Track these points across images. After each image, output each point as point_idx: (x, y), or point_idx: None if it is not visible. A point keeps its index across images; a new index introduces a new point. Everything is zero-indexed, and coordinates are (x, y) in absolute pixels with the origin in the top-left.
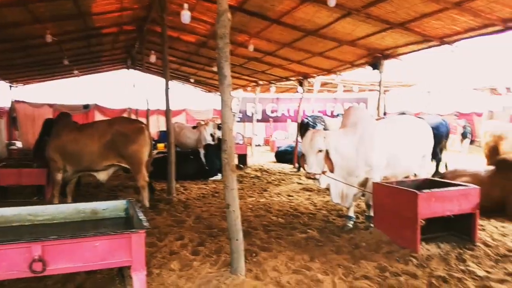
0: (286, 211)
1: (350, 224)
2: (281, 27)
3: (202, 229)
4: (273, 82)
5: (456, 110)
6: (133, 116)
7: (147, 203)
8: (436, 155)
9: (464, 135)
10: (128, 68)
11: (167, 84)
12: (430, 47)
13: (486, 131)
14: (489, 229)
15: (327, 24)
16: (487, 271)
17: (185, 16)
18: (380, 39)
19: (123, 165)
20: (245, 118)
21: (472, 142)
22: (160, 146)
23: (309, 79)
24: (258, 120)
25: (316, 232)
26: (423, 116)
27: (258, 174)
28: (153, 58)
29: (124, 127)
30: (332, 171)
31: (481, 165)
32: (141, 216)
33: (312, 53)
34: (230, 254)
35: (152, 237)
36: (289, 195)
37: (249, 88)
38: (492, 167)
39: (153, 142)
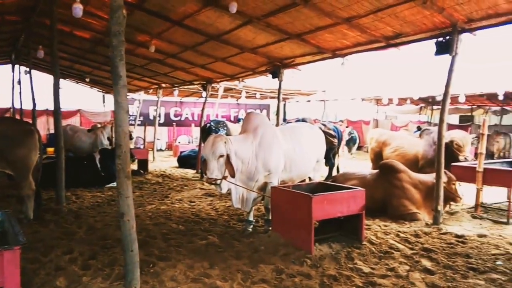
0: (187, 217)
1: (250, 228)
2: (184, 30)
3: (95, 241)
4: (176, 85)
5: (347, 118)
6: (17, 117)
7: (31, 214)
8: (329, 160)
9: (349, 142)
10: (12, 63)
11: (56, 82)
12: (324, 58)
13: (371, 137)
14: (374, 228)
15: (229, 30)
16: (371, 268)
17: (77, 10)
18: (279, 48)
19: (6, 171)
20: (147, 121)
21: (360, 147)
22: (50, 150)
23: (213, 84)
24: (160, 124)
25: (217, 238)
26: (325, 123)
27: (160, 180)
28: (40, 54)
29: (9, 128)
30: (233, 176)
31: (368, 169)
32: (18, 229)
33: (215, 58)
34: (124, 266)
35: (35, 252)
36: (191, 201)
37: (151, 91)
38: (376, 171)
39: (43, 146)
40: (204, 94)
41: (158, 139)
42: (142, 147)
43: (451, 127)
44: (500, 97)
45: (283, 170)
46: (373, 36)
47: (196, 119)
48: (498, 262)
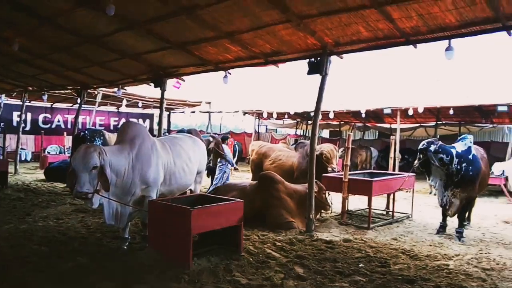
0: (52, 237)
1: (125, 246)
2: (55, 29)
3: None
4: (46, 89)
5: (231, 130)
6: None
7: None
8: (212, 172)
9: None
10: None
11: None
12: (207, 70)
13: (252, 149)
14: (252, 238)
15: (108, 33)
16: (249, 279)
17: None
18: (162, 57)
19: None
20: (8, 128)
21: (243, 159)
22: None
23: (89, 90)
24: (26, 132)
25: (87, 259)
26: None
27: (22, 195)
28: None
29: None
30: (107, 190)
31: (248, 180)
32: None
33: (92, 62)
34: None
35: None
36: (58, 219)
37: (14, 94)
38: (255, 182)
39: None
40: (79, 100)
41: (22, 148)
42: (1, 157)
43: (323, 140)
44: (363, 115)
45: (162, 183)
46: (253, 52)
47: (69, 127)
48: (360, 265)
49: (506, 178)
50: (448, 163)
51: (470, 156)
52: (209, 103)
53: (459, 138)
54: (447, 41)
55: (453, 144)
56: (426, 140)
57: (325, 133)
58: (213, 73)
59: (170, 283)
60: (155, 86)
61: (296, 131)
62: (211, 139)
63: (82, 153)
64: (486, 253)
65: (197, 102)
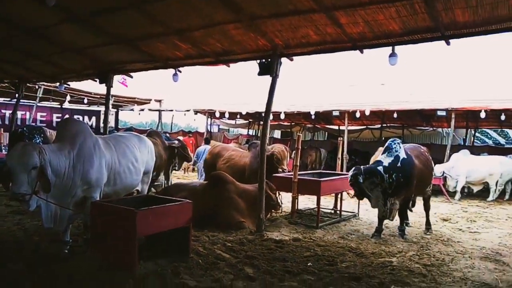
0: None
1: (66, 249)
2: None
3: None
4: None
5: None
6: None
7: None
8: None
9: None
10: None
11: None
12: (156, 67)
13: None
14: (202, 239)
15: (49, 25)
16: (197, 281)
17: None
18: (108, 52)
19: None
20: None
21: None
22: None
23: (29, 84)
24: None
25: (22, 265)
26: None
27: None
28: None
29: None
30: (48, 191)
31: (198, 181)
32: None
33: (32, 55)
34: None
35: None
36: None
37: None
38: (206, 182)
39: None
40: (17, 95)
41: None
42: None
43: (274, 140)
44: (313, 117)
45: (106, 183)
46: (203, 50)
47: (7, 123)
48: (309, 264)
49: (445, 178)
50: (379, 182)
51: (399, 164)
52: (160, 101)
53: (384, 148)
54: (391, 47)
55: (378, 158)
56: (350, 173)
57: (277, 134)
58: (163, 70)
59: None
60: (100, 82)
61: (248, 131)
62: (176, 142)
63: (20, 151)
64: (426, 250)
65: (147, 100)
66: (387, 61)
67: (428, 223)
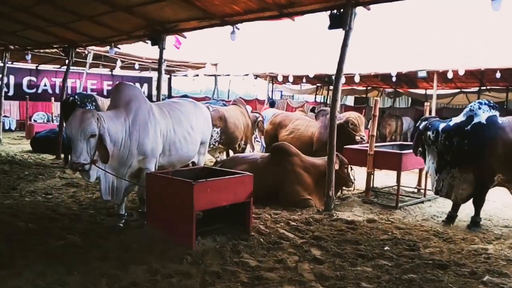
0: (40, 213)
1: (121, 223)
2: None
3: None
4: (29, 48)
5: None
6: None
7: None
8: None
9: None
10: None
11: None
12: (212, 25)
13: (267, 119)
14: (264, 217)
15: None
16: (259, 261)
17: None
18: (159, 9)
19: None
20: None
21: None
22: None
23: (78, 49)
24: (9, 97)
25: (79, 236)
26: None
27: (6, 167)
28: None
29: None
30: (106, 161)
31: (259, 153)
32: None
33: (80, 15)
34: None
35: None
36: (47, 193)
37: None
38: (267, 155)
39: None
40: (67, 61)
41: (6, 116)
42: None
43: (346, 108)
44: (393, 79)
45: (161, 153)
46: (265, 2)
47: (57, 92)
48: (386, 248)
49: None
50: (434, 140)
51: (468, 128)
52: (215, 65)
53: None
54: None
55: (452, 118)
56: (423, 117)
57: (350, 100)
58: (219, 29)
59: (171, 264)
60: (153, 44)
61: (315, 97)
62: (257, 115)
63: (79, 118)
64: None
65: (201, 64)
66: (490, 5)
67: None
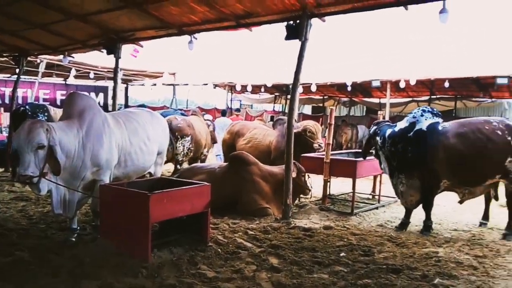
0: None
1: (74, 237)
2: None
3: None
4: None
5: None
6: None
7: None
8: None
9: None
10: None
11: None
12: (169, 34)
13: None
14: (222, 227)
15: None
16: (216, 271)
17: None
18: (115, 18)
19: None
20: None
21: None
22: None
23: (30, 58)
24: None
25: (28, 252)
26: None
27: None
28: None
29: None
30: (58, 173)
31: (217, 163)
32: None
33: (32, 24)
34: None
35: None
36: None
37: None
38: (225, 164)
39: None
40: (17, 70)
41: None
42: None
43: (304, 117)
44: (349, 88)
45: (116, 165)
46: (222, 13)
47: (7, 102)
48: (342, 254)
49: None
50: (381, 146)
51: (410, 134)
52: (174, 74)
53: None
54: (441, 1)
55: (397, 123)
56: (375, 121)
57: (307, 109)
58: (178, 39)
59: (126, 278)
60: (108, 53)
61: (274, 106)
62: (209, 123)
63: (27, 129)
64: (479, 240)
65: (159, 73)
66: (437, 19)
67: (509, 227)
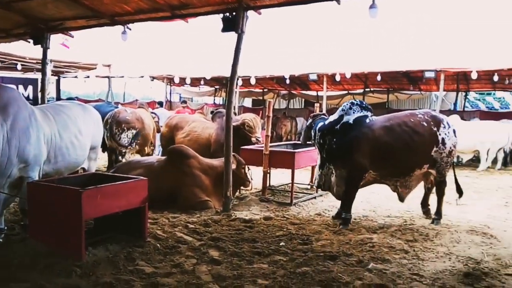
0: None
1: (0, 238)
2: None
3: None
4: None
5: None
6: None
7: None
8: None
9: None
10: None
11: None
12: (101, 24)
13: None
14: (161, 222)
15: None
16: (155, 267)
17: None
18: (42, 6)
19: None
20: None
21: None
22: None
23: None
24: None
25: None
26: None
27: None
28: None
29: None
30: None
31: (156, 157)
32: None
33: None
34: None
35: None
36: None
37: None
38: (164, 158)
39: None
40: None
41: None
42: None
43: (244, 110)
44: (287, 81)
45: (45, 161)
46: (156, 3)
47: None
48: (281, 244)
49: None
50: (314, 138)
51: (337, 127)
52: (109, 66)
53: None
54: None
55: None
56: (312, 114)
57: (247, 102)
58: (112, 29)
59: (58, 279)
60: (35, 43)
61: (214, 99)
62: (153, 115)
63: None
64: (410, 225)
65: (92, 65)
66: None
67: (438, 212)
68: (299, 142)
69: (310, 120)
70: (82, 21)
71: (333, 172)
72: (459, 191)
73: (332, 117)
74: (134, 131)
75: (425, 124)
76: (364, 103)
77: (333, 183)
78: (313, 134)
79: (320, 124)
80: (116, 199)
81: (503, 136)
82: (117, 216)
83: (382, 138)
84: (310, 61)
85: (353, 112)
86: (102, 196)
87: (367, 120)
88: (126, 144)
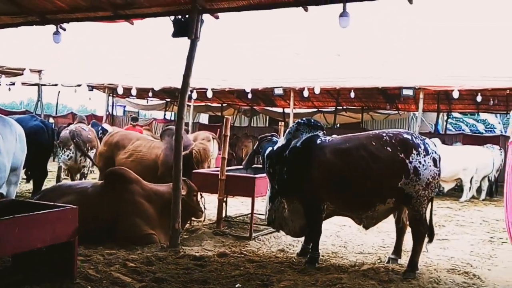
0: None
1: None
2: None
3: None
4: None
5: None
6: None
7: None
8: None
9: None
10: None
11: None
12: (29, 23)
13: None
14: (94, 259)
15: None
16: None
17: None
18: None
19: None
20: None
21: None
22: None
23: None
24: None
25: None
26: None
27: None
28: None
29: None
30: None
31: (90, 181)
32: None
33: None
34: None
35: None
36: None
37: None
38: (101, 182)
39: None
40: None
41: None
42: None
43: (200, 127)
44: (249, 95)
45: None
46: (97, 1)
47: None
48: (237, 285)
49: None
50: (263, 165)
51: (286, 153)
52: (39, 72)
53: None
54: (341, 4)
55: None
56: (260, 136)
57: (204, 118)
58: (43, 29)
59: None
60: None
61: (165, 114)
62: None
63: None
64: (385, 263)
65: (19, 69)
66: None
67: (411, 263)
68: (260, 166)
69: (257, 144)
70: (6, 18)
71: (286, 207)
72: (431, 234)
73: (280, 142)
74: (94, 151)
75: (389, 150)
76: (313, 120)
77: (287, 219)
78: (261, 160)
79: (269, 149)
80: (39, 232)
81: (487, 163)
82: (40, 252)
83: (335, 163)
84: (276, 73)
85: (301, 134)
86: (21, 228)
87: (318, 141)
88: (89, 165)
